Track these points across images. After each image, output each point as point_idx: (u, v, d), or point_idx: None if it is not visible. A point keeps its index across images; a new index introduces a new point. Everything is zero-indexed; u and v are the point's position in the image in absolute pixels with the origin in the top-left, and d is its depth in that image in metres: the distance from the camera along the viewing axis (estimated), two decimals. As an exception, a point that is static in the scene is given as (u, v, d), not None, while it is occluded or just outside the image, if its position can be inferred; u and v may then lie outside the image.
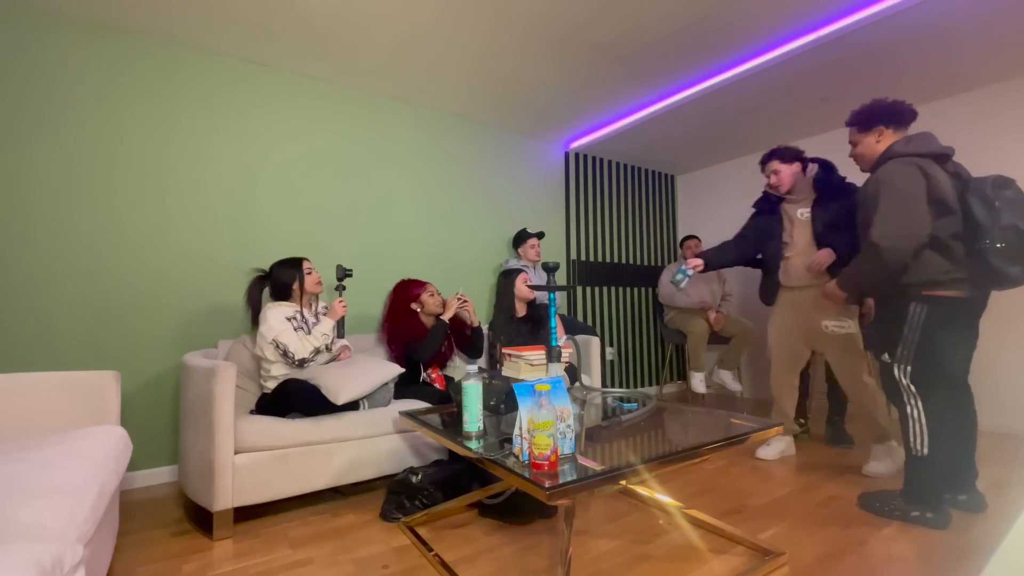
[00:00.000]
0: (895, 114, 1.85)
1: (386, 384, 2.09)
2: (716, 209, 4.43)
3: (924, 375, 1.72)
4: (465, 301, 2.58)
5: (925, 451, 1.69)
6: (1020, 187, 1.65)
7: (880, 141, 1.87)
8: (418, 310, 2.57)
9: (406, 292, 2.60)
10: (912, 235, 1.67)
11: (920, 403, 1.72)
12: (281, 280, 2.11)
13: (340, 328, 2.18)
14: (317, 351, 2.06)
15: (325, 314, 2.20)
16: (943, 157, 1.74)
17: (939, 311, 1.68)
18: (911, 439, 1.72)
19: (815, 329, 2.30)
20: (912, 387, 1.73)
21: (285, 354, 1.99)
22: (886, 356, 1.80)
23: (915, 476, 1.72)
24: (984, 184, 1.63)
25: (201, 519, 1.78)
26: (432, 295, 2.59)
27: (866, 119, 1.90)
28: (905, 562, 1.44)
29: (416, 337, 2.47)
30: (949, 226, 1.67)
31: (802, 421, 2.70)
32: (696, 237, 3.91)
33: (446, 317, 2.50)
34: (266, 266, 2.19)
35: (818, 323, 2.27)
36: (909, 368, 1.73)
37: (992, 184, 1.62)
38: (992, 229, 1.57)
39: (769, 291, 2.52)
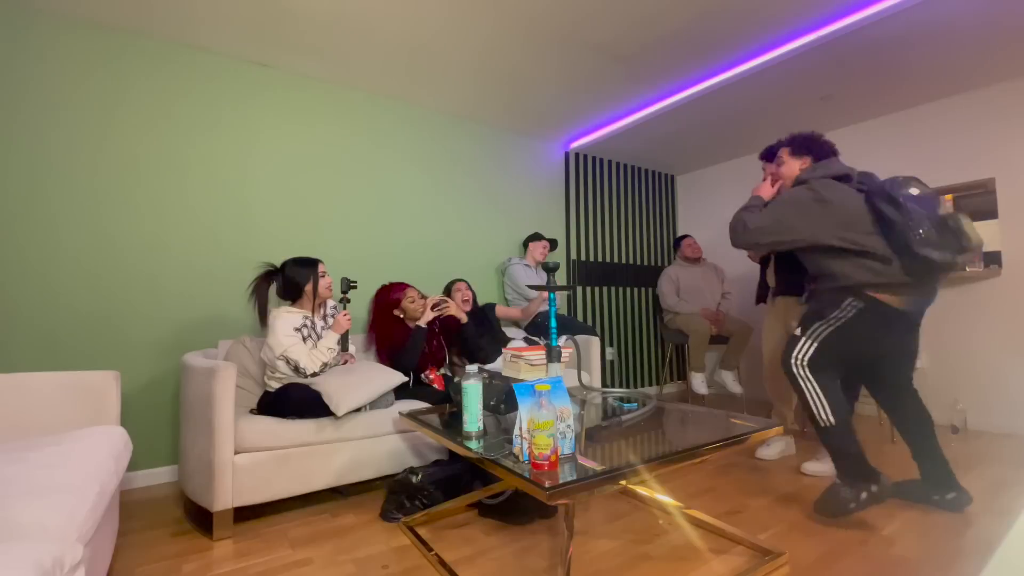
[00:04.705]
0: (823, 149, 2.00)
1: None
2: (716, 209, 4.43)
3: (824, 355, 1.80)
4: (447, 303, 2.52)
5: (832, 419, 1.75)
6: (922, 183, 1.75)
7: (802, 168, 2.03)
8: (401, 316, 2.53)
9: (387, 298, 2.54)
10: (759, 236, 1.89)
11: (813, 378, 1.79)
12: (294, 280, 2.07)
13: (344, 341, 2.16)
14: (327, 365, 2.06)
15: (334, 315, 2.19)
16: (845, 177, 1.89)
17: (873, 310, 1.76)
18: (816, 413, 1.78)
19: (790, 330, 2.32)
20: (805, 364, 1.81)
21: (297, 369, 1.99)
22: (798, 329, 1.88)
23: (836, 445, 1.76)
24: (887, 186, 1.76)
25: (201, 519, 1.78)
26: (412, 300, 2.50)
27: (799, 147, 2.06)
28: (905, 562, 1.44)
29: (400, 345, 2.41)
30: (878, 238, 1.77)
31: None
32: (690, 236, 3.91)
33: (422, 323, 2.44)
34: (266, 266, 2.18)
35: (790, 324, 2.30)
36: (815, 344, 1.81)
37: (893, 184, 1.75)
38: (906, 223, 1.68)
39: (761, 290, 2.53)
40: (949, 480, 1.82)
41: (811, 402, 1.79)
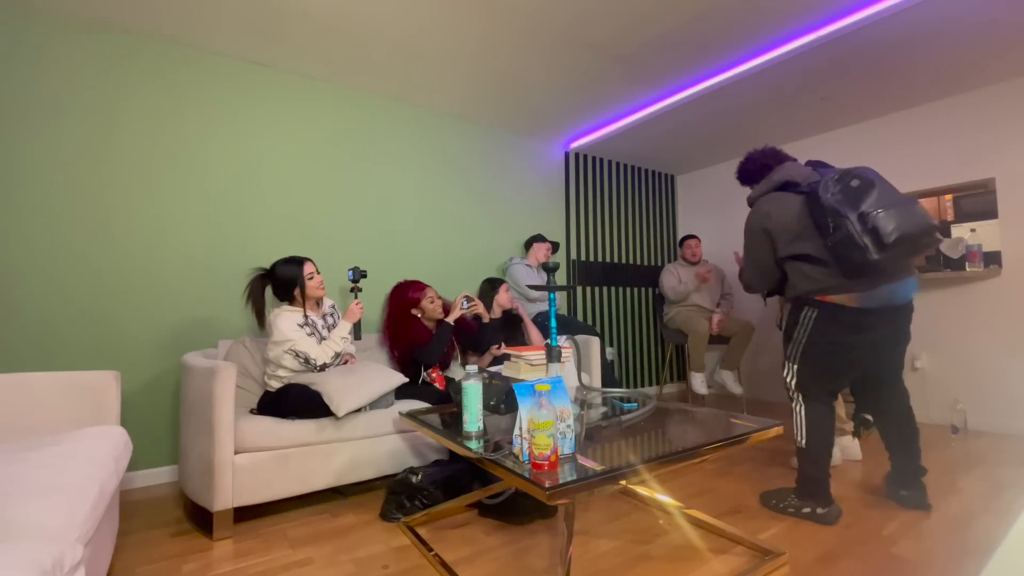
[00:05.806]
0: (760, 169, 2.00)
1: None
2: (716, 209, 4.43)
3: (807, 374, 1.82)
4: (474, 303, 2.55)
5: (804, 443, 1.79)
6: (870, 171, 1.64)
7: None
8: (419, 315, 2.55)
9: (405, 295, 2.56)
10: (757, 282, 1.99)
11: (803, 403, 1.82)
12: (282, 279, 2.06)
13: (357, 330, 2.16)
14: (337, 355, 2.05)
15: (334, 314, 2.19)
16: (787, 185, 1.84)
17: (827, 315, 1.74)
18: (795, 432, 1.83)
19: None
20: (795, 383, 1.85)
21: (307, 361, 1.99)
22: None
23: (803, 465, 1.79)
24: (819, 188, 1.69)
25: (201, 519, 1.78)
26: (432, 301, 2.54)
27: (742, 182, 2.09)
28: (905, 562, 1.44)
29: (421, 341, 2.44)
30: (816, 242, 1.73)
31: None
32: (696, 236, 3.90)
33: (450, 319, 2.47)
34: (265, 266, 2.16)
35: None
36: (796, 366, 1.84)
37: (825, 183, 1.68)
38: (827, 225, 1.63)
39: None
40: (911, 480, 1.84)
41: (794, 423, 1.84)
